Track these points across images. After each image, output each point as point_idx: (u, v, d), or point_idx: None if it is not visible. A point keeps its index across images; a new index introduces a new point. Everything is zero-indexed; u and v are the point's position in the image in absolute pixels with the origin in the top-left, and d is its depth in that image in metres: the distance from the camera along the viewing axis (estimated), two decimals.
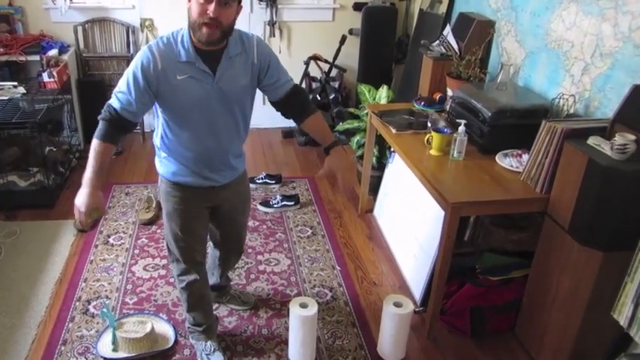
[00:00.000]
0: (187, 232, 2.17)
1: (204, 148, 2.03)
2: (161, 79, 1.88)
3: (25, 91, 3.59)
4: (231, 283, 2.78)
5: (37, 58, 3.86)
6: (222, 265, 2.53)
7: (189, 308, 2.35)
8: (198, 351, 2.41)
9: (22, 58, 3.85)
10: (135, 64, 1.88)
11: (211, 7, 1.77)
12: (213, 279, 2.57)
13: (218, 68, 1.92)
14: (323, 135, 2.17)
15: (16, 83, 3.64)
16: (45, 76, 3.70)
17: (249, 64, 2.00)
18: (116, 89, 1.94)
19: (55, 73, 3.71)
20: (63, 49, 4.12)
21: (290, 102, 2.13)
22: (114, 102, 1.92)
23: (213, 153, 2.07)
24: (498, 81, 2.91)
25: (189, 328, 2.43)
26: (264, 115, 3.43)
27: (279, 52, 4.63)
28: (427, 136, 2.71)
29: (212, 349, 2.38)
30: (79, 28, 4.32)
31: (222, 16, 1.79)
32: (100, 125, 1.94)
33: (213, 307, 2.56)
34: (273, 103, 2.16)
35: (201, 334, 2.39)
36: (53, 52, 3.94)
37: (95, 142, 1.92)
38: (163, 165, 2.11)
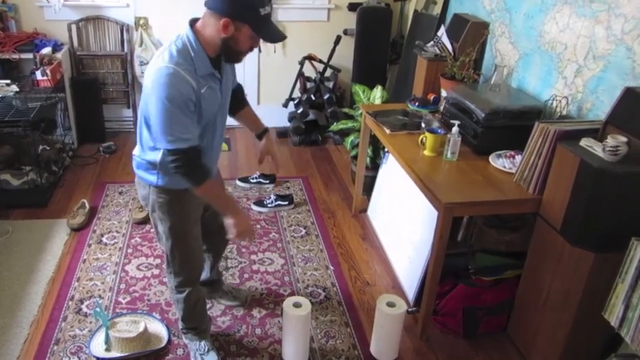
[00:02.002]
0: (197, 238, 2.20)
1: (209, 148, 2.06)
2: (200, 97, 1.85)
3: (18, 90, 3.56)
4: (226, 282, 2.79)
5: (30, 56, 3.85)
6: (212, 255, 2.54)
7: (184, 316, 2.34)
8: (192, 351, 2.40)
9: (15, 56, 3.84)
10: (172, 94, 1.76)
11: (259, 42, 1.89)
12: (204, 274, 2.55)
13: (222, 73, 1.97)
14: (256, 123, 2.36)
15: (9, 81, 3.62)
16: (38, 75, 3.69)
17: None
18: (171, 135, 1.80)
19: (48, 72, 3.70)
20: (56, 48, 4.10)
21: (237, 95, 2.25)
22: (181, 145, 1.81)
23: (214, 151, 2.13)
24: (492, 82, 2.92)
25: (182, 329, 2.43)
26: (259, 115, 3.42)
27: (274, 51, 4.64)
28: (421, 137, 2.72)
29: (206, 348, 2.37)
30: (73, 27, 4.30)
31: None
32: (198, 173, 1.90)
33: (207, 307, 2.56)
34: None
35: (195, 335, 2.39)
36: (47, 50, 3.92)
37: (202, 189, 1.92)
38: (160, 176, 2.01)
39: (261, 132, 2.34)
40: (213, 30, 1.82)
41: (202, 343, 2.38)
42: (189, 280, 2.24)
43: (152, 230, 3.29)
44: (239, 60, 1.95)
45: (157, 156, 1.94)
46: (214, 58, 1.90)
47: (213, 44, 1.85)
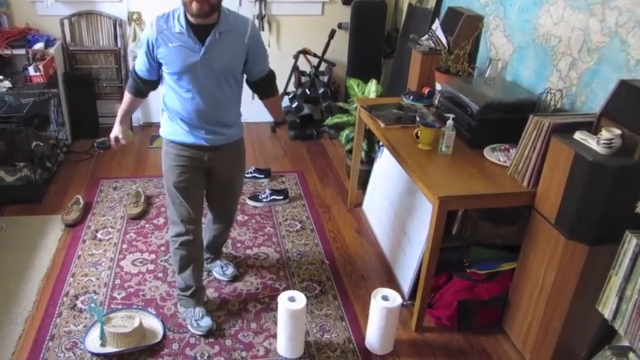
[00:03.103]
0: (180, 187, 2.38)
1: (194, 110, 2.29)
2: (157, 46, 2.22)
3: (10, 85, 3.54)
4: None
5: (22, 51, 3.82)
6: (212, 230, 2.74)
7: (179, 269, 2.50)
8: (187, 319, 2.52)
9: (8, 52, 3.81)
10: (144, 35, 2.28)
11: None
12: (205, 240, 2.74)
13: (207, 41, 2.18)
14: (277, 113, 2.70)
15: (1, 77, 3.60)
16: (31, 70, 3.66)
17: (239, 41, 2.26)
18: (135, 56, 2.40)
19: (41, 67, 3.68)
20: (49, 43, 4.08)
21: (260, 85, 2.47)
22: (135, 65, 2.36)
23: (202, 117, 2.31)
24: (486, 75, 2.92)
25: (178, 295, 2.57)
26: (253, 110, 3.43)
27: (269, 45, 4.61)
28: (416, 131, 2.72)
29: (201, 314, 2.50)
30: (66, 22, 4.28)
31: None
32: (129, 81, 2.41)
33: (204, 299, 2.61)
34: (247, 81, 2.46)
35: (189, 299, 2.51)
36: (39, 46, 3.89)
37: (126, 94, 2.46)
38: (164, 125, 2.40)
39: (279, 122, 2.83)
40: None
41: (197, 309, 2.51)
42: (181, 232, 2.42)
43: (147, 225, 3.29)
44: (193, 9, 2.09)
45: (162, 101, 2.38)
46: (198, 27, 2.17)
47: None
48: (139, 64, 2.33)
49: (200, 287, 2.57)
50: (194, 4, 2.07)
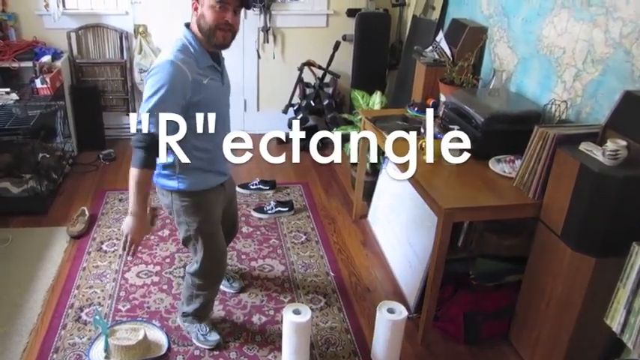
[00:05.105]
0: (221, 237, 2.29)
1: (219, 143, 2.02)
2: (194, 88, 1.97)
3: (17, 98, 3.57)
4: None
5: (30, 64, 3.85)
6: None
7: (195, 311, 2.45)
8: (192, 333, 2.50)
9: (15, 65, 3.84)
10: (166, 82, 1.89)
11: (229, 14, 1.97)
12: None
13: (222, 65, 2.15)
14: None
15: (8, 90, 3.62)
16: (38, 83, 3.69)
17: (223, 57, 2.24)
18: (147, 113, 1.88)
19: (48, 80, 3.70)
20: (56, 56, 4.11)
21: None
22: (150, 127, 1.87)
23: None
24: (491, 87, 2.92)
25: (183, 314, 2.51)
26: (259, 121, 3.44)
27: (274, 57, 4.64)
28: (420, 142, 2.71)
29: (207, 329, 2.48)
30: (73, 35, 4.31)
31: (235, 22, 2.01)
32: (139, 154, 1.91)
33: None
34: None
35: (195, 318, 2.49)
36: (46, 59, 3.93)
37: (136, 172, 1.91)
38: (181, 181, 2.11)
39: None
40: (194, 20, 2.02)
41: (203, 324, 2.48)
42: (214, 281, 2.38)
43: (152, 238, 3.28)
44: (219, 39, 1.99)
45: (171, 158, 2.02)
46: (212, 54, 2.07)
47: (201, 35, 2.01)
48: (166, 122, 1.85)
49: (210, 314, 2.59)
50: (219, 33, 1.97)
